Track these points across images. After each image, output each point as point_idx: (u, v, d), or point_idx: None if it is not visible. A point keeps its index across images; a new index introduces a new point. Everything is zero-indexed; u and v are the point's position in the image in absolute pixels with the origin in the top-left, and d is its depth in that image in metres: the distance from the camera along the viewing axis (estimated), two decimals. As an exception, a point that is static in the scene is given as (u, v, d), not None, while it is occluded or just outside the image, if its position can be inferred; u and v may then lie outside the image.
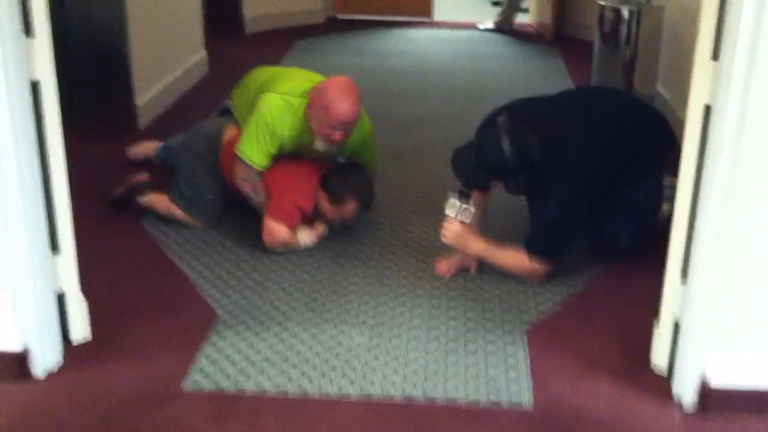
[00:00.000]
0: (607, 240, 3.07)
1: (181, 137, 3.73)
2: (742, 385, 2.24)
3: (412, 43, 6.78)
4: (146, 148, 3.95)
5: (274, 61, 5.97)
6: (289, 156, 3.26)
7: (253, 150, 3.13)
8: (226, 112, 3.55)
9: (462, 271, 3.03)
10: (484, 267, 3.02)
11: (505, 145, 2.71)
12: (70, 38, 4.20)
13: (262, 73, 3.47)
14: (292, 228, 3.14)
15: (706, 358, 2.23)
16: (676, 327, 2.35)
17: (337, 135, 3.08)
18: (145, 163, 3.83)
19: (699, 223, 2.18)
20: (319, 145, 3.16)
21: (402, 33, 7.10)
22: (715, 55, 2.08)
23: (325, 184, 3.21)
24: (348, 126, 3.09)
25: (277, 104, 3.13)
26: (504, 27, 7.20)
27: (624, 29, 4.79)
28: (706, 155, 2.13)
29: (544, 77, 5.69)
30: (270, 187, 3.20)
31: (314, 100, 3.08)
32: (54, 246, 2.41)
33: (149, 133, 4.38)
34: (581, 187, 2.85)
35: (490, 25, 7.27)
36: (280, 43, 6.52)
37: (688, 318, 2.26)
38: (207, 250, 3.17)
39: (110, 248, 3.18)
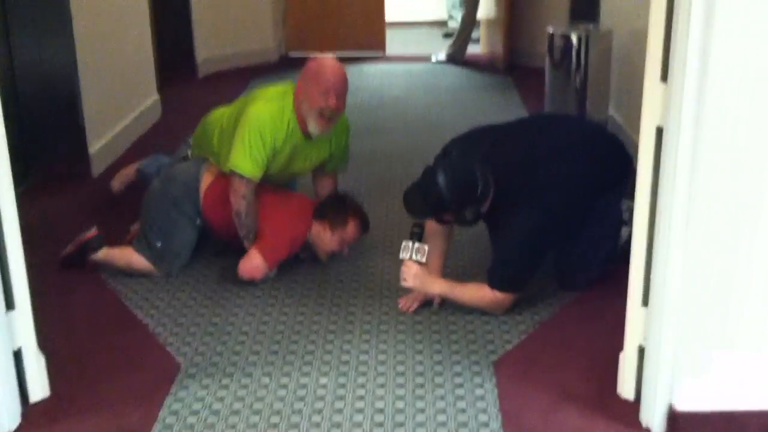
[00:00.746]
0: (571, 269, 3.07)
1: (153, 166, 3.70)
2: (710, 408, 2.24)
3: (367, 77, 6.80)
4: (126, 175, 3.89)
5: (230, 101, 5.94)
6: (278, 187, 3.31)
7: (246, 161, 3.09)
8: (186, 159, 3.53)
9: (426, 305, 3.01)
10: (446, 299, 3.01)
11: (442, 180, 2.73)
12: (19, 85, 4.14)
13: (227, 110, 3.46)
14: (273, 265, 3.17)
15: (672, 384, 2.23)
16: (641, 353, 2.35)
17: (332, 101, 3.12)
18: (131, 189, 3.80)
19: (657, 247, 2.18)
20: (314, 127, 3.16)
21: (356, 68, 7.12)
22: (665, 77, 2.10)
23: (322, 214, 3.26)
24: (339, 89, 3.15)
25: (263, 110, 3.14)
26: (456, 58, 7.27)
27: (574, 55, 4.86)
28: (661, 177, 2.14)
29: (499, 106, 5.74)
30: (264, 222, 3.19)
31: (301, 82, 3.16)
32: (9, 302, 2.35)
33: (104, 181, 4.32)
34: (544, 219, 2.84)
35: (442, 57, 7.33)
36: (235, 83, 6.49)
37: (653, 343, 2.26)
38: (166, 298, 3.11)
39: (68, 301, 3.11)
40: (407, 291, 3.03)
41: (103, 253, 3.25)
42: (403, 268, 2.91)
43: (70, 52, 4.13)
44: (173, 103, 5.75)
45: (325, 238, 3.26)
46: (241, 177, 3.11)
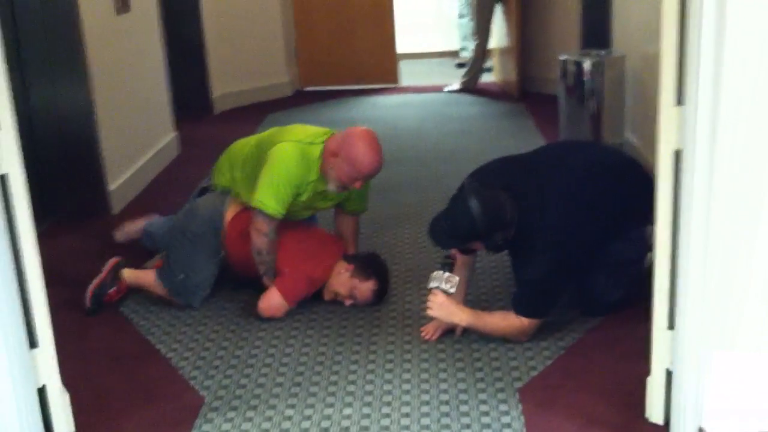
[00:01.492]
0: (596, 296, 3.05)
1: (163, 222, 3.69)
2: (741, 429, 2.21)
3: (381, 109, 6.84)
4: (130, 232, 3.87)
5: (247, 136, 5.98)
6: (299, 223, 3.33)
7: (271, 199, 3.09)
8: (205, 192, 3.53)
9: (448, 333, 3.00)
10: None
11: (474, 207, 2.73)
12: (36, 127, 4.19)
13: (253, 139, 3.48)
14: (293, 303, 3.18)
15: (701, 406, 2.21)
16: (669, 376, 2.32)
17: (358, 184, 3.17)
18: (132, 245, 3.79)
19: (680, 270, 2.17)
20: (332, 187, 3.20)
21: (370, 100, 7.17)
22: (679, 101, 2.10)
23: (352, 258, 3.28)
24: (371, 177, 3.19)
25: (293, 151, 3.14)
26: (470, 87, 7.30)
27: (587, 81, 4.87)
28: (680, 199, 2.14)
29: (513, 134, 5.75)
30: (283, 260, 3.19)
31: (339, 151, 3.12)
32: (32, 341, 2.35)
33: (123, 218, 4.35)
34: (566, 247, 2.83)
35: (456, 86, 7.36)
36: (250, 119, 6.54)
37: (680, 367, 2.24)
38: (188, 332, 3.12)
39: (90, 338, 3.12)
40: (429, 319, 3.03)
41: (131, 275, 3.33)
42: (430, 297, 2.89)
43: (87, 93, 4.19)
44: (190, 139, 5.79)
45: (342, 279, 3.24)
46: (265, 215, 3.10)
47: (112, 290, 3.32)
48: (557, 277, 2.86)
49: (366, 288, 3.21)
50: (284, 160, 3.13)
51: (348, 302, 3.25)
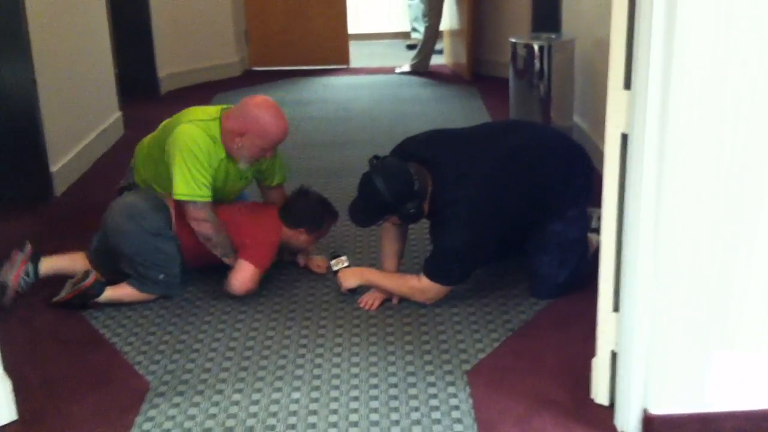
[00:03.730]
0: (543, 277, 3.07)
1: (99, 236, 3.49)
2: (685, 411, 2.24)
3: (332, 90, 6.80)
4: (68, 263, 3.30)
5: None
6: (222, 199, 3.24)
7: (192, 185, 3.01)
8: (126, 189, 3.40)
9: (386, 301, 3.10)
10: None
11: (379, 183, 2.83)
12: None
13: (150, 136, 3.39)
14: (265, 270, 3.16)
15: (646, 387, 2.23)
16: (614, 358, 2.35)
17: (269, 154, 3.15)
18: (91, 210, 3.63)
19: (626, 253, 2.19)
20: (243, 165, 3.15)
21: (321, 81, 7.12)
22: (627, 85, 2.11)
23: (295, 221, 3.26)
24: (281, 143, 3.16)
25: (195, 131, 3.05)
26: (420, 69, 7.29)
27: (537, 64, 4.88)
28: (627, 182, 2.15)
29: (465, 116, 5.76)
30: (238, 235, 3.14)
31: (243, 129, 3.04)
32: (-30, 326, 2.30)
33: (66, 200, 4.27)
34: (478, 219, 2.87)
35: (406, 68, 7.35)
36: (198, 99, 6.40)
37: (624, 348, 2.26)
38: (133, 316, 3.07)
39: (32, 323, 3.04)
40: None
41: (106, 297, 3.09)
42: (338, 276, 3.15)
43: (29, 72, 4.06)
44: (136, 119, 5.68)
45: (300, 239, 3.28)
46: (194, 203, 3.03)
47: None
48: (467, 249, 2.91)
49: (325, 229, 3.38)
50: (189, 141, 3.03)
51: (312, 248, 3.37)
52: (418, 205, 2.88)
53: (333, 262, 3.18)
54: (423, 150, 3.01)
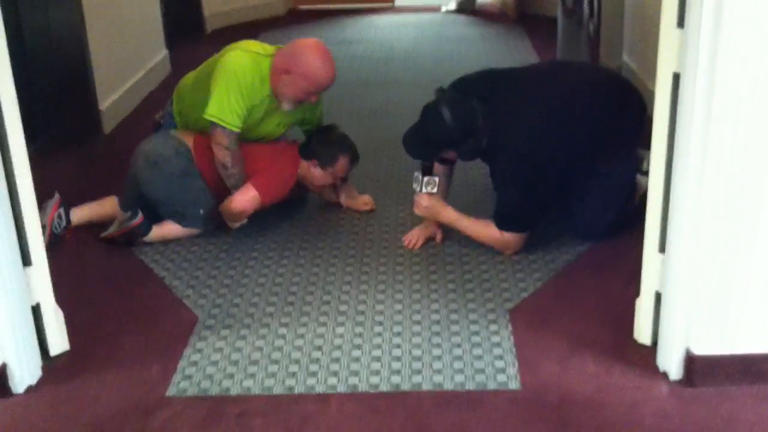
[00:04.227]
0: (586, 219, 3.05)
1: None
2: (727, 351, 2.24)
3: (376, 29, 6.74)
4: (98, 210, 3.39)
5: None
6: (255, 139, 3.24)
7: (226, 111, 2.98)
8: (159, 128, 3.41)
9: (430, 241, 3.11)
10: (451, 235, 3.07)
11: (445, 114, 2.79)
12: (27, 46, 4.11)
13: (201, 66, 3.34)
14: (268, 200, 3.14)
15: (689, 328, 2.23)
16: (658, 299, 2.35)
17: (313, 98, 3.13)
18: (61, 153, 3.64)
19: (674, 194, 2.17)
20: (286, 106, 3.13)
21: (365, 20, 7.06)
22: (681, 23, 2.07)
23: (309, 153, 3.24)
24: (327, 88, 3.13)
25: (246, 58, 3.04)
26: (467, 7, 7.19)
27: (586, 2, 4.78)
28: (678, 123, 2.12)
29: (511, 56, 5.68)
30: (252, 166, 3.14)
31: (290, 68, 3.02)
32: (25, 259, 2.36)
33: (114, 137, 4.33)
34: (533, 159, 2.84)
35: (452, 6, 7.25)
36: (242, 38, 6.39)
37: (669, 289, 2.26)
38: (181, 251, 3.13)
39: (83, 258, 3.12)
40: (411, 227, 3.09)
41: (153, 236, 3.15)
42: (416, 198, 3.01)
43: (78, 12, 4.11)
44: (182, 58, 5.71)
45: (316, 174, 3.26)
46: (222, 128, 3.01)
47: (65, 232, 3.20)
48: (533, 191, 2.88)
49: (340, 167, 3.28)
50: (237, 68, 3.00)
51: (338, 181, 3.35)
52: (478, 142, 2.84)
53: (419, 176, 2.99)
54: (479, 88, 2.96)
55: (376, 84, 5.17)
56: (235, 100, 3.00)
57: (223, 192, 3.15)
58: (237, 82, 2.99)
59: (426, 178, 2.98)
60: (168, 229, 3.17)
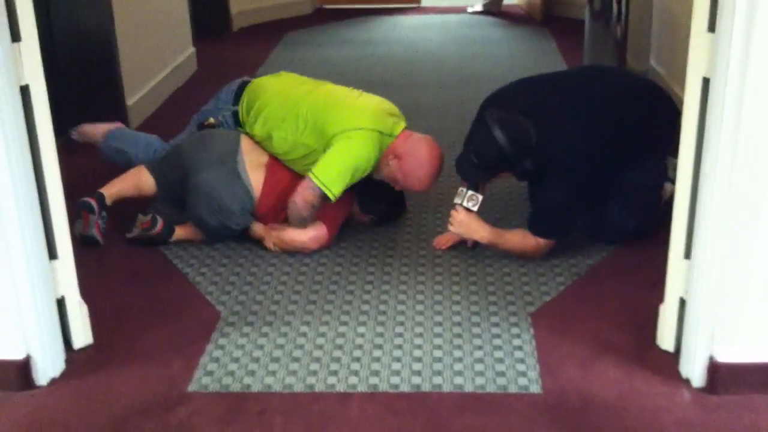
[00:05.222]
0: (612, 223, 3.03)
1: (141, 142, 3.51)
2: (751, 360, 2.22)
3: (401, 30, 6.74)
4: (90, 133, 3.64)
5: (264, 55, 5.93)
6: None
7: (333, 183, 2.95)
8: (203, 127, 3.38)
9: (460, 244, 3.09)
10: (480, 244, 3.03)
11: (500, 137, 2.72)
12: (57, 42, 4.16)
13: (306, 93, 3.23)
14: (329, 239, 3.11)
15: (713, 335, 2.22)
16: (682, 305, 2.33)
17: (398, 187, 3.15)
18: (88, 147, 3.64)
19: (701, 199, 2.15)
20: (377, 176, 3.15)
21: (390, 20, 7.06)
22: (712, 27, 2.05)
23: (365, 207, 3.24)
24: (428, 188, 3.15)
25: (373, 146, 3.02)
26: (493, 9, 7.17)
27: (614, 5, 4.75)
28: (707, 127, 2.11)
29: (536, 59, 5.66)
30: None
31: (401, 158, 3.04)
32: (51, 252, 2.38)
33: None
34: (583, 168, 2.82)
35: (478, 8, 7.23)
36: (268, 37, 6.47)
37: (694, 296, 2.24)
38: (204, 248, 3.14)
39: (108, 252, 3.15)
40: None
41: (176, 237, 3.16)
42: (453, 212, 2.95)
43: (107, 9, 4.14)
44: (208, 56, 5.75)
45: (363, 219, 3.28)
46: (321, 192, 2.97)
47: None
48: (574, 200, 2.85)
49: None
50: (361, 154, 2.99)
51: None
52: (534, 160, 2.79)
53: (463, 190, 2.94)
54: (520, 102, 2.92)
55: (401, 85, 5.17)
56: (345, 178, 2.98)
57: (269, 220, 3.14)
58: (355, 166, 2.99)
59: (470, 193, 2.93)
60: (192, 232, 3.17)
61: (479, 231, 2.95)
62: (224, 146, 3.17)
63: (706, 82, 2.11)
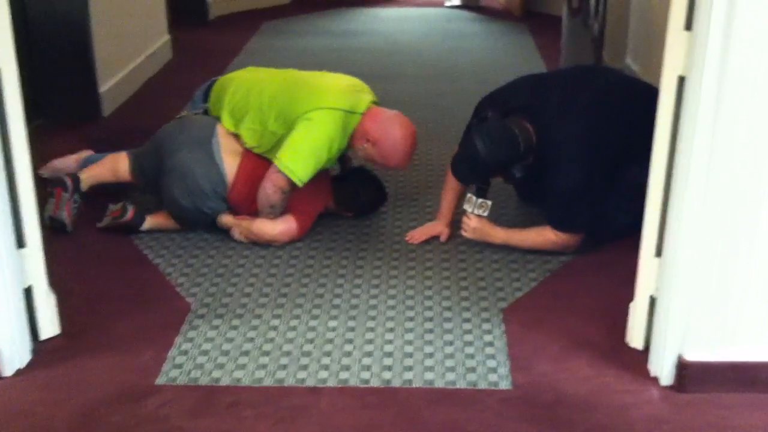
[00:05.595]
0: (605, 218, 3.02)
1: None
2: (720, 358, 2.24)
3: (381, 22, 6.72)
4: (60, 167, 3.47)
5: (241, 44, 5.89)
6: None
7: (300, 168, 2.93)
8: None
9: (434, 239, 3.10)
10: (453, 236, 3.06)
11: (481, 148, 2.76)
12: (30, 27, 4.10)
13: (268, 82, 3.20)
14: (299, 233, 3.09)
15: (682, 334, 2.23)
16: (653, 303, 2.34)
17: (377, 167, 3.19)
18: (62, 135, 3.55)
19: (674, 198, 2.16)
20: (355, 157, 3.22)
21: (370, 13, 7.04)
22: (688, 25, 2.05)
23: (344, 204, 3.24)
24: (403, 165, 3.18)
25: (338, 124, 3.00)
26: (471, 3, 7.17)
27: (592, 2, 4.76)
28: (681, 126, 2.11)
29: (514, 54, 5.67)
30: (294, 203, 3.09)
31: (376, 140, 3.03)
32: (20, 241, 2.35)
33: (114, 120, 4.31)
34: (587, 158, 2.83)
35: (457, 1, 7.23)
36: (246, 25, 6.43)
37: (664, 294, 2.25)
38: (176, 239, 3.11)
39: (78, 241, 3.11)
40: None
41: (148, 226, 3.13)
42: (464, 219, 2.99)
43: (82, -7, 4.09)
44: (184, 44, 5.70)
45: (344, 213, 3.28)
46: (289, 179, 2.95)
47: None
48: (586, 187, 2.85)
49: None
50: (324, 135, 2.97)
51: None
52: (524, 166, 2.82)
53: (472, 197, 2.95)
54: (518, 98, 2.95)
55: (380, 77, 5.14)
56: (313, 163, 2.96)
57: (243, 212, 3.11)
58: (320, 148, 2.96)
59: (479, 201, 2.94)
60: (164, 221, 3.15)
61: (494, 235, 2.99)
62: (200, 130, 3.15)
63: (681, 80, 2.11)
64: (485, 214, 2.96)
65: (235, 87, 3.23)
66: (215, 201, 3.06)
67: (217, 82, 3.35)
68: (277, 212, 3.04)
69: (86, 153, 3.58)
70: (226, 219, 3.10)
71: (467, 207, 2.97)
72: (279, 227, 3.03)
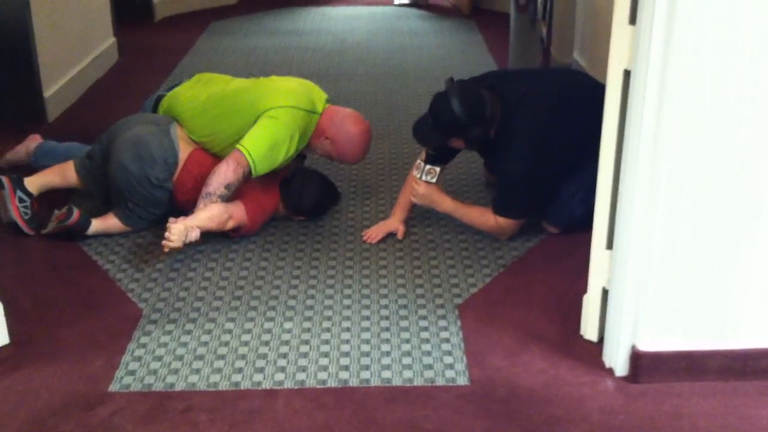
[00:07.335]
0: (560, 203, 3.05)
1: (71, 149, 3.45)
2: (672, 348, 2.27)
3: (329, 21, 6.69)
4: (14, 158, 3.56)
5: (188, 44, 5.82)
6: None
7: (262, 159, 2.97)
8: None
9: (390, 236, 3.10)
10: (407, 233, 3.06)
11: (455, 101, 2.81)
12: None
13: (222, 83, 3.29)
14: (256, 228, 3.10)
15: (635, 325, 2.25)
16: (605, 295, 2.36)
17: (349, 162, 3.32)
18: (17, 168, 3.45)
19: (622, 191, 2.18)
20: (310, 154, 3.33)
21: (318, 11, 7.00)
22: (633, 20, 2.08)
23: (293, 208, 3.21)
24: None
25: (301, 122, 3.09)
26: (420, 2, 7.17)
27: (539, -1, 4.80)
28: (627, 119, 2.14)
29: (463, 51, 5.69)
30: (243, 193, 3.07)
31: (333, 138, 3.15)
32: (-38, 249, 2.29)
33: (59, 125, 4.23)
34: (540, 145, 2.89)
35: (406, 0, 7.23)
36: (193, 26, 6.35)
37: (616, 286, 2.28)
38: (126, 243, 3.06)
39: (26, 248, 3.04)
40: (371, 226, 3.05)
41: (94, 230, 3.07)
42: (413, 185, 3.06)
43: (23, -5, 3.99)
44: (130, 45, 5.61)
45: (295, 217, 3.26)
46: (247, 165, 2.96)
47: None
48: (532, 178, 2.91)
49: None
50: (289, 131, 3.03)
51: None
52: (485, 131, 2.89)
53: (421, 164, 3.04)
54: (487, 81, 3.03)
55: (328, 76, 5.13)
56: (272, 157, 3.01)
57: (185, 207, 3.08)
58: (281, 144, 3.02)
59: (428, 167, 3.02)
60: (110, 223, 3.10)
61: (441, 203, 3.05)
62: (159, 119, 3.22)
63: (627, 74, 2.13)
64: (433, 180, 3.03)
65: (184, 107, 3.24)
66: (163, 171, 3.04)
67: (163, 100, 3.35)
68: (225, 197, 2.99)
69: (35, 141, 3.59)
70: (171, 221, 3.02)
71: (415, 173, 3.06)
72: (229, 207, 2.99)
